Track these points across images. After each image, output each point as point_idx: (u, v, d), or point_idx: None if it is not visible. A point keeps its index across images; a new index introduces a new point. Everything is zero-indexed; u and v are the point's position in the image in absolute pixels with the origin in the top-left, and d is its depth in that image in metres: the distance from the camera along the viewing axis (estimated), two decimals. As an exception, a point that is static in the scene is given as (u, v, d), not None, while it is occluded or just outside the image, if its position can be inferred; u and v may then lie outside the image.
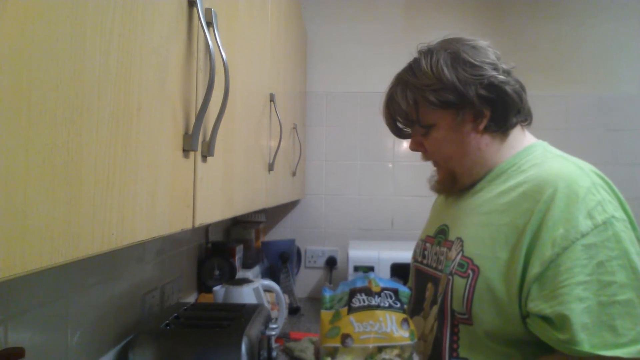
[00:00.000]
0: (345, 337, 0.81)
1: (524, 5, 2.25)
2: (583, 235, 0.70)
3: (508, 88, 0.82)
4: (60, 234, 0.35)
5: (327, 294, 0.90)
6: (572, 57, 2.23)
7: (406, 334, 0.81)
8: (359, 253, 1.84)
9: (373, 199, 2.27)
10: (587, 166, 0.79)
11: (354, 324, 0.82)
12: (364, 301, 0.85)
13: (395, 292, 0.89)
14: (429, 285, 0.91)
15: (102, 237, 0.41)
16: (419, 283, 0.96)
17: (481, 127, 0.84)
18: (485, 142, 0.86)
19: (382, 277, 0.92)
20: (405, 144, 2.28)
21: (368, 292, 0.86)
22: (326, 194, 2.28)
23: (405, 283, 1.10)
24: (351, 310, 0.84)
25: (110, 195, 0.42)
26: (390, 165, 2.28)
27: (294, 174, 1.76)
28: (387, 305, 0.85)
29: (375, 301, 0.85)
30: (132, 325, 1.15)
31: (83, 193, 0.38)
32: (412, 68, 0.87)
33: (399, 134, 0.95)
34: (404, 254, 1.78)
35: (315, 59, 2.29)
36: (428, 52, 0.86)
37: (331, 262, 2.24)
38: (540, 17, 2.24)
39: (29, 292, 0.79)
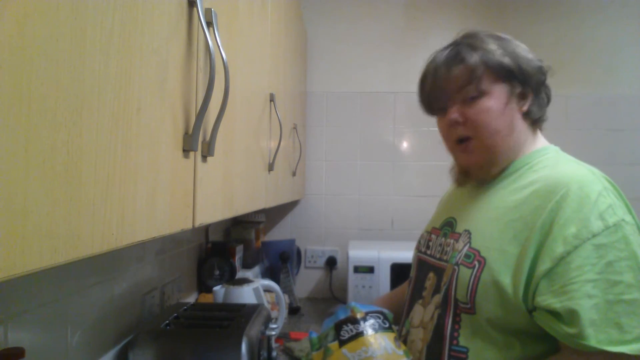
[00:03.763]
0: None
1: (525, 5, 2.25)
2: (594, 235, 0.72)
3: (547, 80, 0.90)
4: (60, 234, 0.35)
5: (314, 336, 0.89)
6: (573, 57, 2.23)
7: (401, 352, 0.82)
8: (359, 253, 1.84)
9: (373, 199, 2.27)
10: (597, 172, 0.82)
11: (347, 355, 0.81)
12: (351, 330, 0.84)
13: (382, 313, 0.89)
14: (431, 274, 0.94)
15: (102, 237, 0.41)
16: (420, 272, 0.99)
17: (525, 107, 0.87)
18: (524, 126, 0.89)
19: (364, 303, 0.91)
20: (406, 143, 2.28)
21: (353, 320, 0.85)
22: (326, 194, 2.28)
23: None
24: (342, 343, 0.82)
25: (110, 195, 0.42)
26: (390, 165, 2.28)
27: (294, 174, 1.76)
28: (376, 326, 0.84)
29: (362, 327, 0.84)
30: (132, 325, 1.15)
31: (83, 193, 0.38)
32: (471, 36, 0.89)
33: (429, 107, 0.94)
34: (404, 254, 1.78)
35: (315, 59, 2.29)
36: (478, 34, 0.89)
37: (331, 262, 2.24)
38: (541, 18, 2.24)
39: (29, 292, 0.79)
